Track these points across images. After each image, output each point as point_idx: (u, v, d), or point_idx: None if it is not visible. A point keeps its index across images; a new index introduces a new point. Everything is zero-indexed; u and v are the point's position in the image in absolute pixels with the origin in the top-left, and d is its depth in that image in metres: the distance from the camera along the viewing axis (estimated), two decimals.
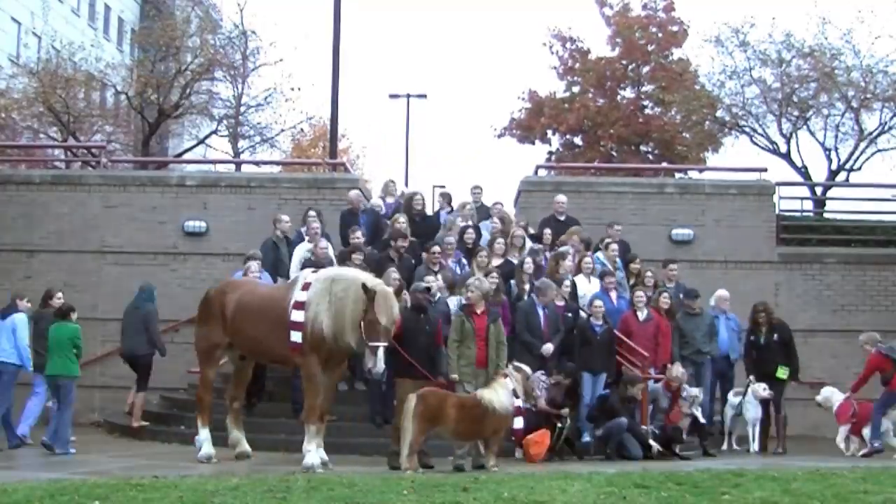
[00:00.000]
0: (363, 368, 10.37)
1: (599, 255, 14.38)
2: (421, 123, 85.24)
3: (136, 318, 13.73)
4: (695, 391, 12.50)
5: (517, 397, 10.44)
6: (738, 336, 13.83)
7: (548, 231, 14.57)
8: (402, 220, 14.11)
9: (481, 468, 10.25)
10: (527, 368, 10.82)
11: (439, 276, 12.54)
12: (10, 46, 31.96)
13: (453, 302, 12.35)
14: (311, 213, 14.31)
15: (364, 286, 9.93)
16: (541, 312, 12.33)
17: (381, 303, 9.91)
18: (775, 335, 13.31)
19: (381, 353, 9.85)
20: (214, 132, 29.49)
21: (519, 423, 10.61)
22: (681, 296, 13.74)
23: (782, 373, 13.11)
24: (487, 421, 10.20)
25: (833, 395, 13.14)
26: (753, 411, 13.06)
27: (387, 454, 10.70)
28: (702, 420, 12.53)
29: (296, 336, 10.18)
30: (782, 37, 24.37)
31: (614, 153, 31.24)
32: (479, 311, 11.12)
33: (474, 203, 15.61)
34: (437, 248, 12.94)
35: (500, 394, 10.30)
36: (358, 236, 13.52)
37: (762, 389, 12.96)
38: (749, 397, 13.07)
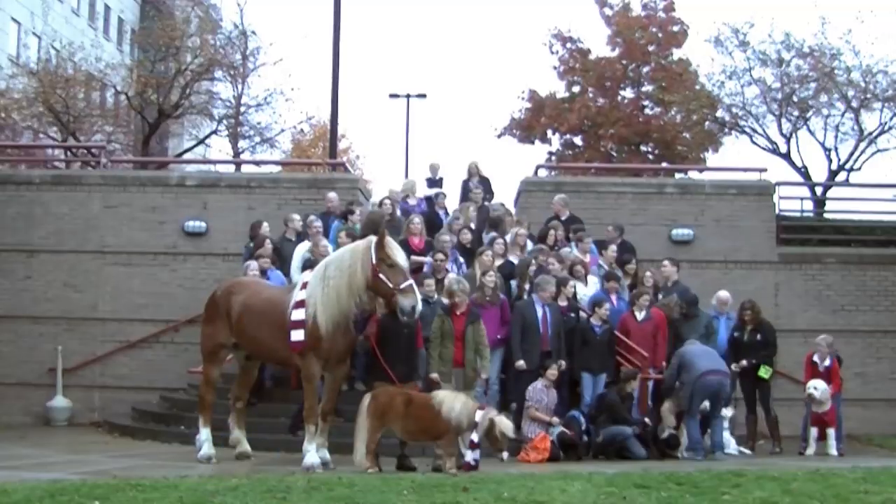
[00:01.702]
0: (401, 315, 10.15)
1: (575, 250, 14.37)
2: (421, 123, 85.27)
3: None
4: None
5: (476, 432, 9.87)
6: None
7: (552, 231, 14.54)
8: (416, 222, 14.14)
9: (438, 471, 9.94)
10: (505, 427, 10.01)
11: (449, 278, 12.49)
12: (10, 46, 31.96)
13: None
14: (296, 216, 14.46)
15: (376, 238, 10.15)
16: (539, 310, 12.31)
17: (393, 247, 10.20)
18: (758, 335, 13.19)
19: (416, 288, 10.09)
20: (214, 132, 29.51)
21: (470, 455, 9.98)
22: (674, 296, 13.68)
23: (764, 372, 13.00)
24: (437, 422, 9.90)
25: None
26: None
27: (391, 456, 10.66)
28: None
29: (297, 335, 10.20)
30: (782, 37, 24.42)
31: (614, 153, 31.26)
32: (458, 312, 11.15)
33: (474, 203, 15.64)
34: (440, 256, 12.89)
35: (457, 403, 9.95)
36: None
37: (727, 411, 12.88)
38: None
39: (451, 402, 10.00)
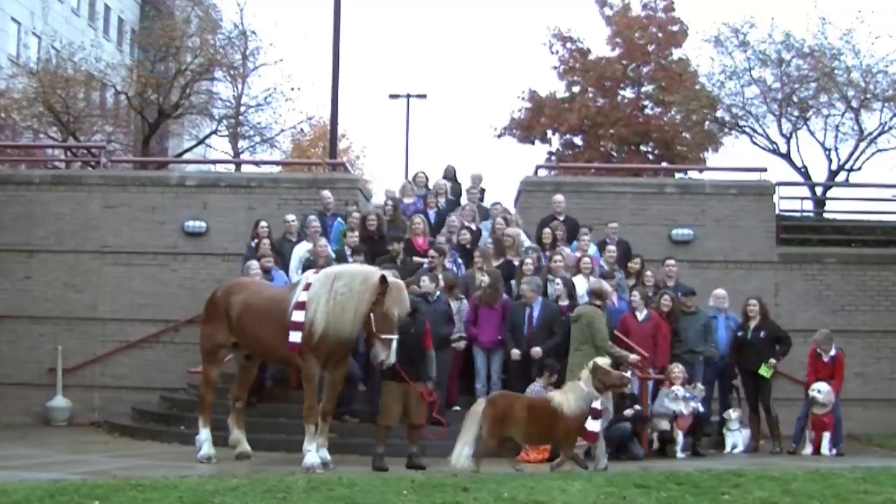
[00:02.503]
0: (372, 360, 10.28)
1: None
2: (421, 123, 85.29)
3: None
4: (700, 387, 12.68)
5: (596, 398, 9.99)
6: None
7: (547, 231, 14.56)
8: (418, 221, 14.15)
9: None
10: (602, 361, 10.25)
11: (440, 277, 12.54)
12: (10, 46, 31.96)
13: (453, 304, 12.36)
14: (291, 216, 14.44)
15: (383, 277, 10.07)
16: (526, 312, 12.30)
17: (396, 294, 10.05)
18: (762, 332, 13.17)
19: (394, 345, 10.01)
20: (214, 132, 29.50)
21: (594, 425, 10.07)
22: (679, 294, 13.75)
23: (765, 370, 12.97)
24: (557, 425, 9.93)
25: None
26: (731, 437, 13.01)
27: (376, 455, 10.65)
28: (701, 409, 12.55)
29: (295, 336, 10.22)
30: (782, 37, 24.37)
31: (614, 153, 31.27)
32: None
33: (472, 202, 15.65)
34: (433, 254, 12.92)
35: (570, 397, 10.00)
36: (354, 238, 13.52)
37: (733, 413, 13.05)
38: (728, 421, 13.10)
39: (567, 399, 10.00)
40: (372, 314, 10.02)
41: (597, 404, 10.06)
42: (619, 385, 10.31)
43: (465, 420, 10.07)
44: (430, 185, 16.64)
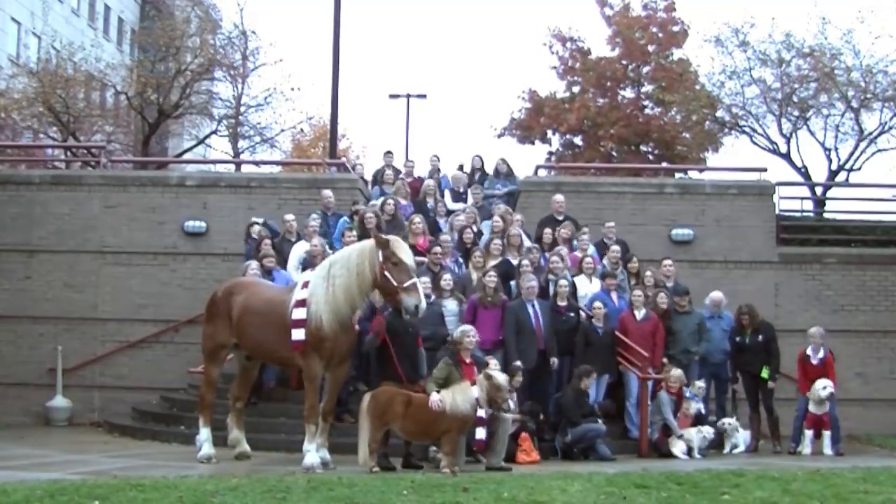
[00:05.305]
0: (407, 312, 10.18)
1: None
2: (421, 123, 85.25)
3: None
4: (699, 383, 12.69)
5: (481, 406, 10.06)
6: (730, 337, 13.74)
7: (548, 231, 14.56)
8: (417, 222, 14.16)
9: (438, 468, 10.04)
10: (499, 377, 10.29)
11: (445, 277, 12.52)
12: (10, 46, 31.97)
13: (451, 304, 12.35)
14: (289, 216, 14.54)
15: (378, 238, 10.32)
16: (531, 310, 12.25)
17: (398, 245, 10.26)
18: (759, 336, 13.21)
19: (419, 286, 10.18)
20: (214, 132, 29.50)
21: (480, 433, 10.15)
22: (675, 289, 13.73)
23: (766, 372, 13.06)
24: (438, 422, 9.97)
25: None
26: (731, 441, 12.97)
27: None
28: (703, 411, 12.55)
29: (298, 334, 10.22)
30: (782, 37, 24.38)
31: (614, 153, 31.27)
32: (467, 361, 10.85)
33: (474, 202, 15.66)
34: (437, 249, 12.95)
35: (457, 398, 10.03)
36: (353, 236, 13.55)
37: (728, 424, 12.96)
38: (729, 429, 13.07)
39: (452, 399, 10.02)
40: (386, 272, 10.08)
41: (481, 412, 10.04)
42: (497, 403, 10.20)
43: (359, 418, 10.17)
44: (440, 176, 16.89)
